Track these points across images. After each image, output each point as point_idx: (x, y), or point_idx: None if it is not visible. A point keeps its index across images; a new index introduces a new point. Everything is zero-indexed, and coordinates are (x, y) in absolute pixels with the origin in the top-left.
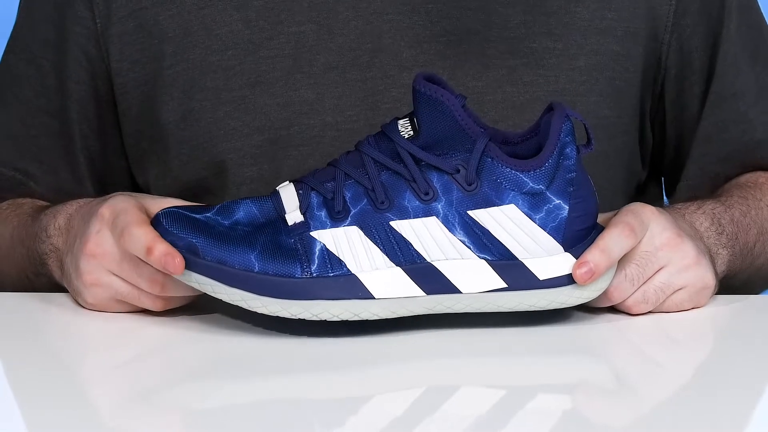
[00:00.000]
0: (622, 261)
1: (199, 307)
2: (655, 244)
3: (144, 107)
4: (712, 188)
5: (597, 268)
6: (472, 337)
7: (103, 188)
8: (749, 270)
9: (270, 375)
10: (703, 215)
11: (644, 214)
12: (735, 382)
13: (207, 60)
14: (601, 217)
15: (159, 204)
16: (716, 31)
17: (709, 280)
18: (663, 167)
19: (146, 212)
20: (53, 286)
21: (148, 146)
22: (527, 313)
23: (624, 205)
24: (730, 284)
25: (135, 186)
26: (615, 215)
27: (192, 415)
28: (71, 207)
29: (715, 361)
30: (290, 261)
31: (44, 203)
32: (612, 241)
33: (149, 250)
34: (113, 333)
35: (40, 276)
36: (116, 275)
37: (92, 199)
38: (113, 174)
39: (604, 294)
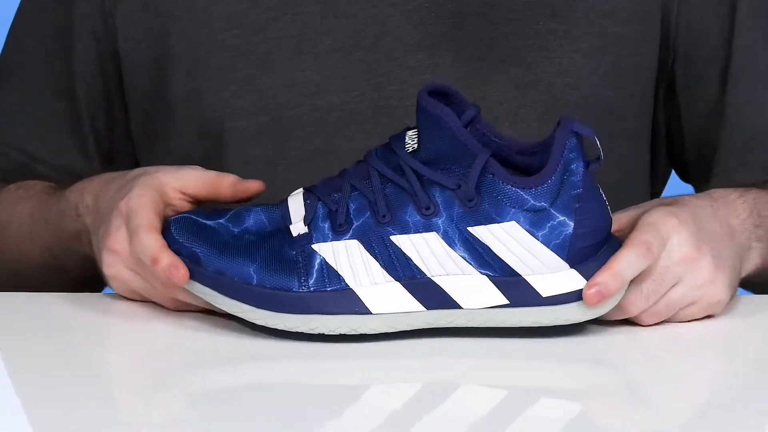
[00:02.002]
0: (639, 276)
1: (203, 315)
2: (673, 258)
3: (151, 86)
4: (746, 172)
5: (608, 290)
6: (474, 337)
7: (112, 169)
8: None
9: (269, 364)
10: (743, 204)
11: (665, 228)
12: (741, 384)
13: (213, 39)
14: (625, 214)
15: (180, 177)
16: (731, 10)
17: (724, 295)
18: (685, 159)
19: (162, 206)
20: (85, 261)
21: (153, 126)
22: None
23: (632, 188)
24: (753, 283)
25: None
26: (638, 224)
27: (190, 403)
28: (95, 184)
29: (722, 362)
30: (288, 274)
31: (54, 184)
32: (626, 263)
33: (155, 260)
34: (118, 329)
35: (72, 253)
36: (134, 271)
37: (117, 174)
38: (119, 156)
39: (618, 308)
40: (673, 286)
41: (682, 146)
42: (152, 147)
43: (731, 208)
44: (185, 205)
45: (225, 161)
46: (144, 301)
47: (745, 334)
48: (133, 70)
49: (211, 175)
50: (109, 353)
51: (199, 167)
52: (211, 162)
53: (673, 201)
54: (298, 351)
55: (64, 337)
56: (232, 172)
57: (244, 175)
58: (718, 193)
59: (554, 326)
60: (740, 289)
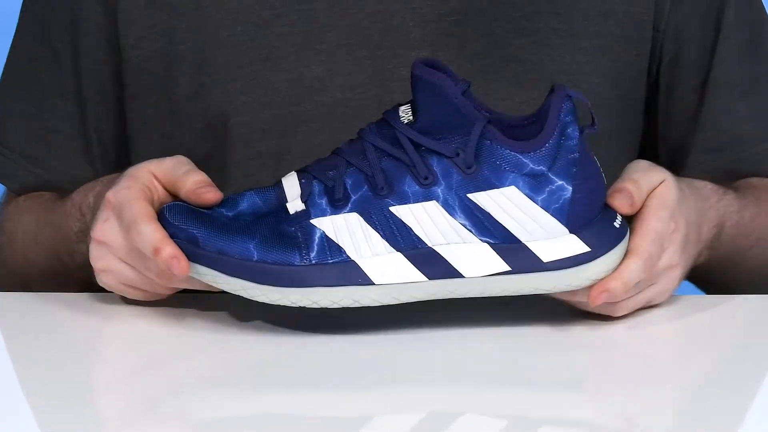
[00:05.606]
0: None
1: (207, 316)
2: (665, 263)
3: (155, 83)
4: (711, 176)
5: (615, 297)
6: (478, 361)
7: (116, 170)
8: (735, 271)
9: (270, 391)
10: (716, 212)
11: (667, 238)
12: (735, 384)
13: (218, 35)
14: (640, 179)
15: (160, 163)
16: (716, 21)
17: (666, 298)
18: (657, 161)
19: (150, 195)
20: (89, 264)
21: (154, 124)
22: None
23: None
24: (708, 281)
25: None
26: (644, 226)
27: (191, 426)
28: (97, 186)
29: (715, 362)
30: (289, 249)
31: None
32: (634, 275)
33: (156, 251)
34: (114, 332)
35: (76, 255)
36: (126, 263)
37: (118, 175)
38: (121, 158)
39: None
40: (649, 286)
41: (655, 149)
42: (148, 146)
43: (707, 215)
44: (167, 194)
45: (230, 157)
46: (133, 298)
47: (731, 326)
48: (135, 67)
49: (182, 169)
50: (106, 355)
51: (186, 159)
52: (216, 158)
53: (677, 187)
54: (296, 379)
55: (64, 338)
56: (238, 168)
57: (250, 170)
58: (704, 191)
59: (554, 345)
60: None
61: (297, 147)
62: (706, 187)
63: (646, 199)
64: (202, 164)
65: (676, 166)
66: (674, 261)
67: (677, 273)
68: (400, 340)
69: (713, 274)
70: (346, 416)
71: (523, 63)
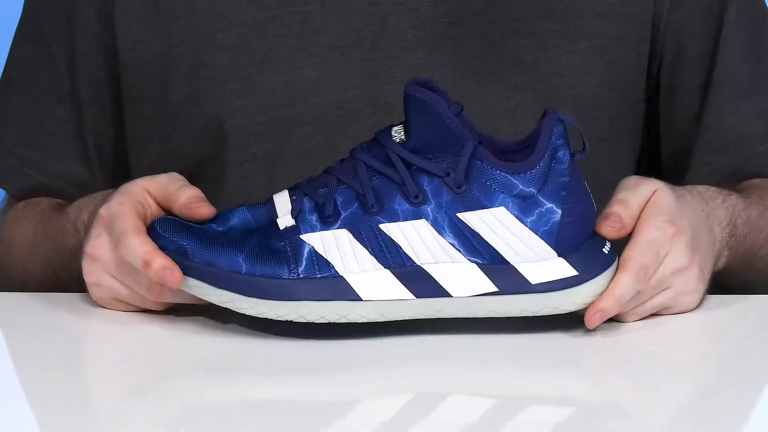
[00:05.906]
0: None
1: (206, 316)
2: (669, 267)
3: (151, 86)
4: (716, 175)
5: (609, 314)
6: (465, 344)
7: (114, 173)
8: (750, 271)
9: (260, 375)
10: (724, 212)
11: (665, 245)
12: (735, 384)
13: (213, 38)
14: (630, 199)
15: (153, 179)
16: (718, 19)
17: (695, 305)
18: (660, 163)
19: (143, 211)
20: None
21: (151, 127)
22: (522, 317)
23: None
24: (727, 283)
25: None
26: (638, 237)
27: (182, 412)
28: (93, 202)
29: (714, 362)
30: (278, 263)
31: (61, 201)
32: (626, 289)
33: (147, 264)
34: (111, 330)
35: (71, 270)
36: (115, 278)
37: (112, 191)
38: (119, 161)
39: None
40: (661, 291)
41: (658, 152)
42: (147, 148)
43: (715, 214)
44: (160, 210)
45: (226, 160)
46: (125, 310)
47: (732, 326)
48: (133, 71)
49: (175, 185)
50: (105, 355)
51: (180, 175)
52: (213, 161)
53: (674, 193)
54: (286, 363)
55: (63, 337)
56: (233, 170)
57: (245, 172)
58: (707, 194)
59: (540, 329)
60: None
61: (292, 149)
62: (709, 190)
63: (641, 212)
64: (199, 167)
65: (681, 169)
66: (682, 263)
67: (692, 273)
68: (383, 323)
69: (730, 278)
70: (334, 399)
71: (518, 65)
